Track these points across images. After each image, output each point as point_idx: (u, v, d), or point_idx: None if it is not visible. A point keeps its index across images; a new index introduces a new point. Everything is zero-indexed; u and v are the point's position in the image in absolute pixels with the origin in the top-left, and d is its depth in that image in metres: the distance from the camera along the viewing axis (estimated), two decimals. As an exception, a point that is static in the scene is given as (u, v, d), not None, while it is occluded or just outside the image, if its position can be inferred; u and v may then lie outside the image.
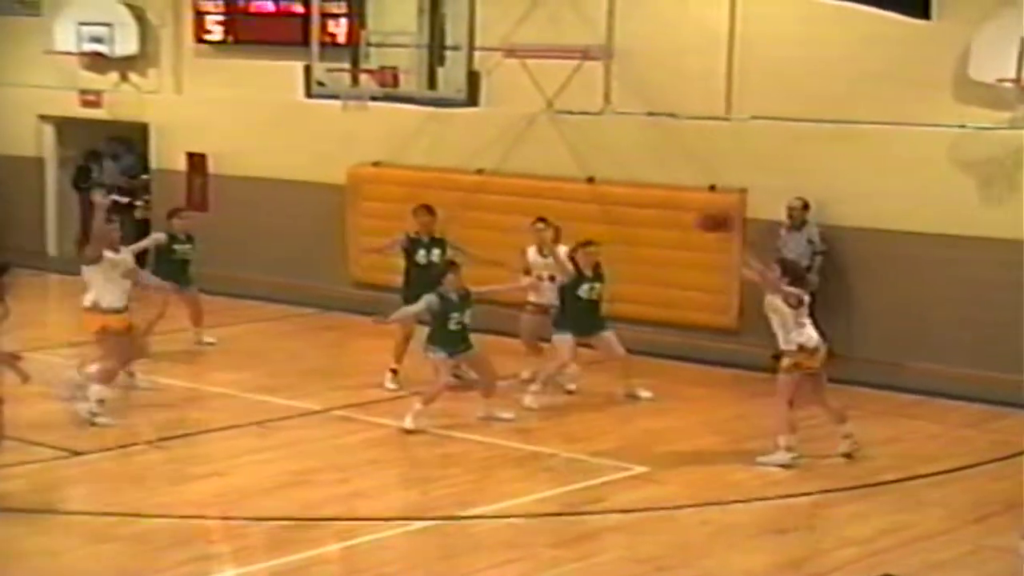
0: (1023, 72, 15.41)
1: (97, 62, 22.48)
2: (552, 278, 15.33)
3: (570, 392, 15.44)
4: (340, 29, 18.42)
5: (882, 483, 12.55)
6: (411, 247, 15.71)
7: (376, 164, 20.13)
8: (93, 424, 13.57)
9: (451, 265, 14.46)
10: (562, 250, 15.22)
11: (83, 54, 22.44)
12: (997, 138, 15.97)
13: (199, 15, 21.60)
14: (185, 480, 12.39)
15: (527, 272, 15.52)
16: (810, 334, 12.98)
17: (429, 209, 15.85)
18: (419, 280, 15.20)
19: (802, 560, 10.87)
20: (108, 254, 13.84)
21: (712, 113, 17.61)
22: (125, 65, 22.42)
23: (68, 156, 24.02)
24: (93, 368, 14.05)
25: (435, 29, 15.75)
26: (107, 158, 23.85)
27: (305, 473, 12.61)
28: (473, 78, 15.85)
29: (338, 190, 20.09)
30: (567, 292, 15.06)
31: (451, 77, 15.83)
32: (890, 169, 16.63)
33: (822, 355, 13.08)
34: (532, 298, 15.60)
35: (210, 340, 17.11)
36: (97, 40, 22.17)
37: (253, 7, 21.09)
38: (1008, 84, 15.52)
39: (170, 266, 16.60)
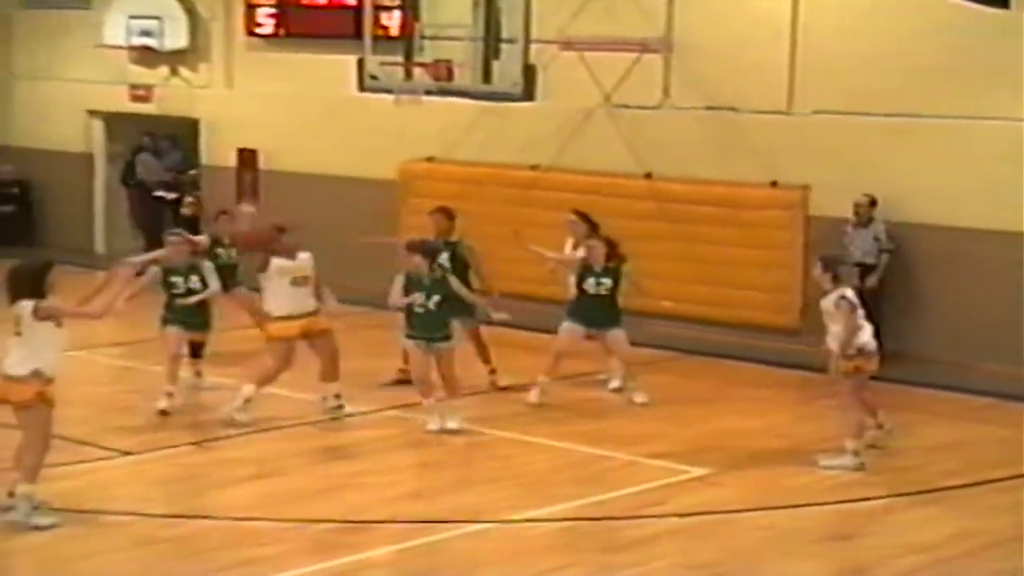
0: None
1: (147, 56, 22.46)
2: None
3: (616, 391, 15.19)
4: (393, 22, 18.39)
5: (949, 488, 12.29)
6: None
7: (429, 160, 19.97)
8: (233, 423, 13.51)
9: (412, 244, 13.89)
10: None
11: (132, 48, 22.43)
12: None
13: (250, 8, 21.54)
14: (234, 482, 12.29)
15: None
16: (868, 337, 12.77)
17: (447, 212, 15.24)
18: None
19: (864, 568, 10.67)
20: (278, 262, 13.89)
21: (773, 107, 17.39)
22: (175, 59, 22.39)
23: (117, 152, 23.99)
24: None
25: (490, 21, 15.64)
26: (148, 154, 23.74)
27: (355, 475, 12.49)
28: (529, 72, 15.70)
29: (390, 186, 19.91)
30: (577, 284, 14.78)
31: (506, 71, 15.72)
32: (958, 164, 16.35)
33: (877, 358, 12.89)
34: None
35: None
36: (147, 34, 22.16)
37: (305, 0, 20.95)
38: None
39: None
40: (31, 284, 10.79)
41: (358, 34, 17.11)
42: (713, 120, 17.73)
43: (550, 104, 17.54)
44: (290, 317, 13.82)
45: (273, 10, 21.31)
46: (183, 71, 22.46)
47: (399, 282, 13.70)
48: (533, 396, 14.64)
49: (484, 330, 15.14)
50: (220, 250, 15.85)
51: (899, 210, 16.60)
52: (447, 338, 13.75)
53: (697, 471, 12.65)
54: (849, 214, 16.63)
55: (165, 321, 14.24)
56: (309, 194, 20.75)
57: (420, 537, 10.85)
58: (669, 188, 18.07)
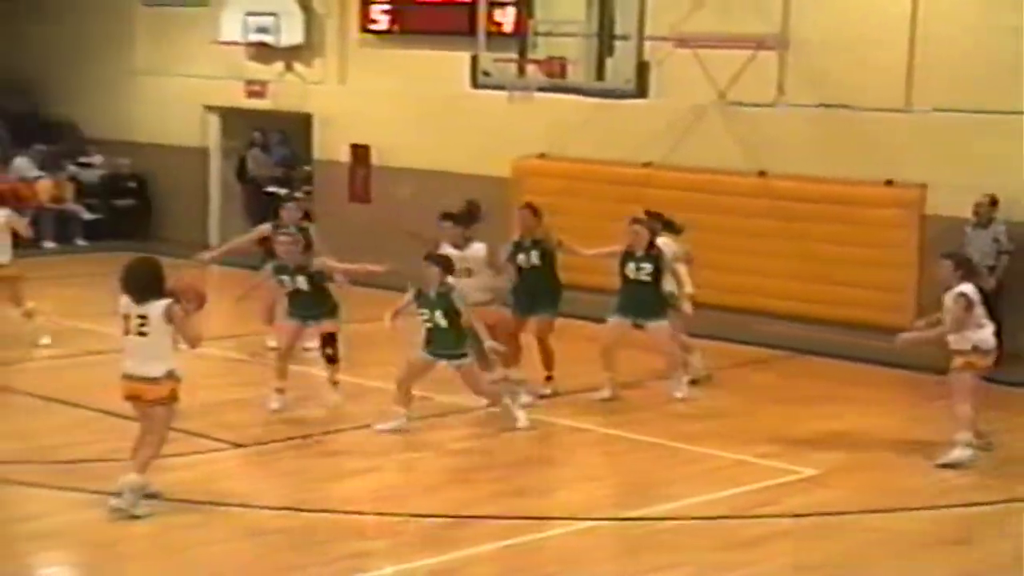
0: None
1: (262, 52, 22.66)
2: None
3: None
4: (507, 18, 18.40)
5: (1069, 493, 12.02)
6: (514, 251, 14.86)
7: (541, 156, 19.93)
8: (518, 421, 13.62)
9: (428, 259, 13.42)
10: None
11: (249, 44, 22.59)
12: None
13: (365, 4, 21.66)
14: (344, 475, 12.32)
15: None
16: (986, 336, 12.55)
17: (533, 209, 14.97)
18: (520, 286, 14.74)
19: (981, 575, 10.41)
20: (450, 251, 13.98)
21: (891, 105, 17.14)
22: (290, 55, 22.56)
23: (232, 147, 24.22)
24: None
25: (604, 18, 15.56)
26: (259, 149, 23.96)
27: (464, 471, 12.49)
28: (642, 68, 15.55)
29: (501, 183, 19.88)
30: (620, 270, 14.52)
31: (620, 67, 15.59)
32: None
33: (993, 358, 12.67)
34: None
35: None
36: (263, 30, 22.35)
37: (419, -4, 21.06)
38: None
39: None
40: (159, 284, 10.86)
41: (472, 31, 17.08)
42: (828, 117, 17.55)
43: (663, 101, 17.41)
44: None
45: (387, 6, 21.40)
46: (297, 67, 22.62)
47: (409, 294, 13.41)
48: (605, 393, 14.53)
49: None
50: (281, 238, 14.55)
51: (1018, 210, 16.30)
52: (463, 355, 13.34)
53: (807, 471, 12.49)
54: (965, 213, 16.34)
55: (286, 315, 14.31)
56: (420, 190, 20.81)
57: (527, 534, 10.78)
58: (782, 186, 17.91)
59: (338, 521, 10.92)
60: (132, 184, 24.81)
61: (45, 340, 16.21)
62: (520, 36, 16.28)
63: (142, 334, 10.81)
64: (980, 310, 12.57)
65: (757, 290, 17.90)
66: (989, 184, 16.34)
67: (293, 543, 10.46)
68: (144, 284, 10.86)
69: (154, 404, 10.91)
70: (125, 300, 10.90)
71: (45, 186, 24.07)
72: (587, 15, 15.55)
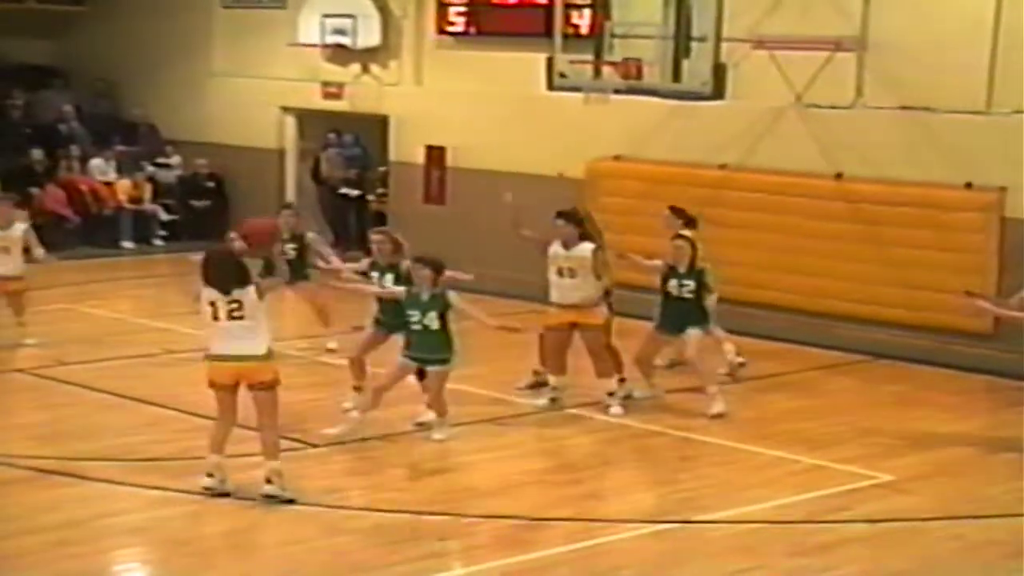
0: None
1: (339, 54, 22.71)
2: None
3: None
4: (584, 20, 18.36)
5: None
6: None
7: (616, 158, 19.87)
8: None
9: (419, 261, 13.12)
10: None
11: (326, 46, 22.67)
12: None
13: (442, 6, 21.64)
14: (418, 476, 12.37)
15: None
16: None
17: (570, 216, 14.39)
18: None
19: (1063, 585, 10.30)
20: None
21: (971, 107, 16.90)
22: (367, 57, 22.60)
23: (308, 148, 24.31)
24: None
25: (681, 20, 15.46)
26: (332, 150, 24.03)
27: (538, 472, 12.48)
28: (719, 70, 15.44)
29: (577, 184, 19.82)
30: (661, 286, 14.43)
31: (696, 69, 15.49)
32: None
33: None
34: None
35: (332, 346, 16.07)
36: (340, 32, 22.40)
37: (496, -2, 21.06)
38: None
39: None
40: (243, 272, 10.97)
41: (548, 32, 17.05)
42: (907, 120, 17.33)
43: (740, 103, 17.27)
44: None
45: (464, 8, 21.40)
46: (374, 68, 22.66)
47: (402, 293, 13.16)
48: (642, 390, 14.48)
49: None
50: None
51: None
52: (443, 362, 13.04)
53: (884, 477, 12.37)
54: (1048, 219, 16.18)
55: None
56: (496, 192, 20.78)
57: (601, 536, 10.76)
58: (860, 189, 17.74)
59: (411, 522, 10.92)
60: (209, 185, 24.95)
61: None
62: (596, 38, 16.23)
63: (240, 317, 10.91)
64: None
65: (835, 294, 17.75)
66: (1069, 188, 16.15)
67: (366, 543, 10.49)
68: (224, 274, 10.97)
69: (257, 388, 11.01)
70: (208, 291, 11.00)
71: (123, 186, 24.31)
72: (664, 17, 15.46)
